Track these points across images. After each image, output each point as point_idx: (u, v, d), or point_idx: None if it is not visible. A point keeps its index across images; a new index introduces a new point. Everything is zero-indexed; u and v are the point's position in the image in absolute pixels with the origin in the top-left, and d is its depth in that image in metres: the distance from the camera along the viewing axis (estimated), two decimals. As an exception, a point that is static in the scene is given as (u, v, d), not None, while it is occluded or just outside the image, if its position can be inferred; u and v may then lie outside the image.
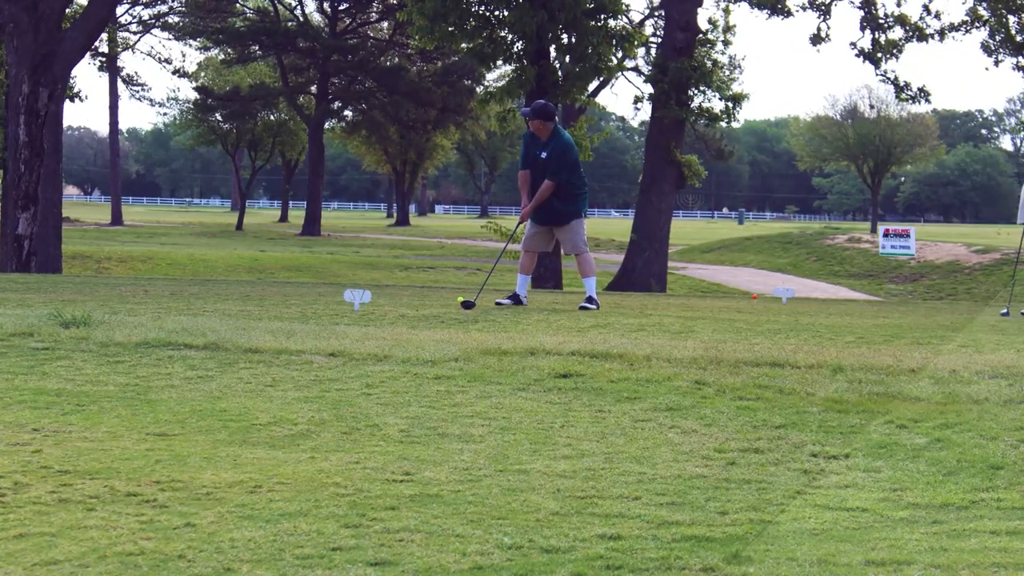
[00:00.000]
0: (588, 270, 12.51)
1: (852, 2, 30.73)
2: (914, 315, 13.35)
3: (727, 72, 42.26)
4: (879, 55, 30.39)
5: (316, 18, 65.88)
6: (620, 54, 26.77)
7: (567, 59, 25.10)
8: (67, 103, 26.70)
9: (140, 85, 72.12)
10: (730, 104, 28.42)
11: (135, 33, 67.63)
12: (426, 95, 59.36)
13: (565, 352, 7.64)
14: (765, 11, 30.13)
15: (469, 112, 60.38)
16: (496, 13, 24.68)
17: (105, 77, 67.49)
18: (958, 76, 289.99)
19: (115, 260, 36.63)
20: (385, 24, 64.37)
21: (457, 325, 9.90)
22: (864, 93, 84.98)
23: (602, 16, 24.56)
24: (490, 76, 60.16)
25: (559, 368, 7.14)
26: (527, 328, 9.72)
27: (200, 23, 59.55)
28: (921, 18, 30.45)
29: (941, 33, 30.39)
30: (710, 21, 30.43)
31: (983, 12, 30.43)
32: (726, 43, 31.01)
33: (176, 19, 64.45)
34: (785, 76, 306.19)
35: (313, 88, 63.32)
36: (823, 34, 31.10)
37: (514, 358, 7.47)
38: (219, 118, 65.49)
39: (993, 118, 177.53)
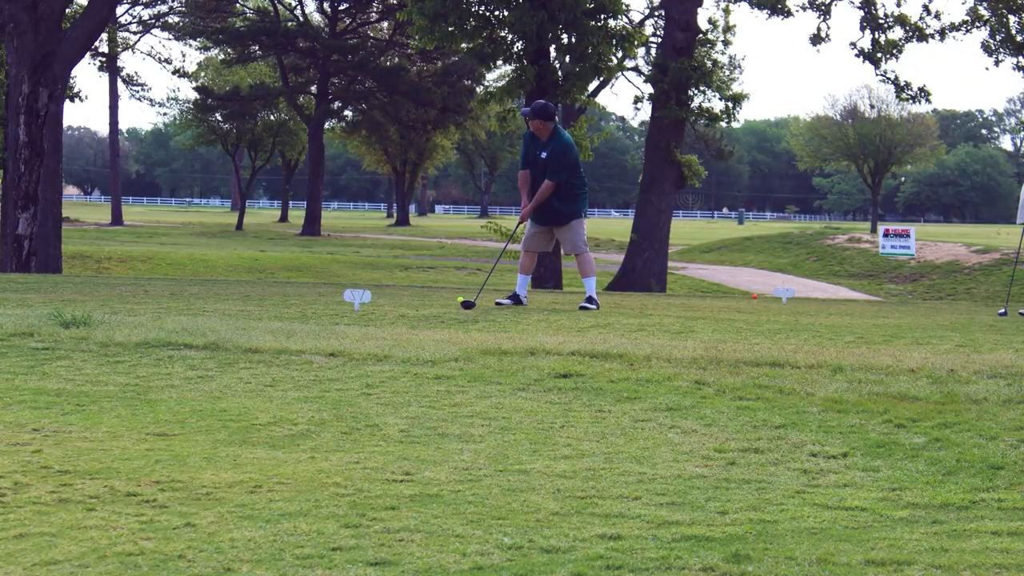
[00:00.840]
0: (588, 270, 12.51)
1: (852, 2, 30.73)
2: (914, 315, 13.35)
3: (727, 72, 42.33)
4: (879, 55, 30.37)
5: (316, 18, 65.88)
6: (620, 54, 26.73)
7: (567, 59, 25.10)
8: (67, 103, 26.70)
9: (140, 85, 72.13)
10: (730, 104, 28.42)
11: (135, 33, 67.68)
12: (426, 95, 59.31)
13: (565, 352, 7.64)
14: (765, 11, 30.13)
15: (469, 112, 60.36)
16: (496, 13, 24.67)
17: (105, 77, 67.51)
18: (958, 76, 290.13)
19: (115, 260, 36.61)
20: (385, 24, 64.34)
21: (457, 325, 9.90)
22: (864, 93, 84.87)
23: (602, 16, 24.56)
24: (490, 76, 60.18)
25: (559, 368, 7.14)
26: (527, 328, 9.72)
27: (200, 23, 59.54)
28: (921, 18, 30.42)
29: (941, 33, 30.36)
30: (710, 21, 30.46)
31: (983, 12, 30.40)
32: (726, 43, 31.08)
33: (176, 19, 64.46)
34: (785, 76, 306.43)
35: (313, 88, 63.27)
36: (823, 34, 31.08)
37: (514, 358, 7.47)
38: (219, 118, 65.42)
39: (993, 118, 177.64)
